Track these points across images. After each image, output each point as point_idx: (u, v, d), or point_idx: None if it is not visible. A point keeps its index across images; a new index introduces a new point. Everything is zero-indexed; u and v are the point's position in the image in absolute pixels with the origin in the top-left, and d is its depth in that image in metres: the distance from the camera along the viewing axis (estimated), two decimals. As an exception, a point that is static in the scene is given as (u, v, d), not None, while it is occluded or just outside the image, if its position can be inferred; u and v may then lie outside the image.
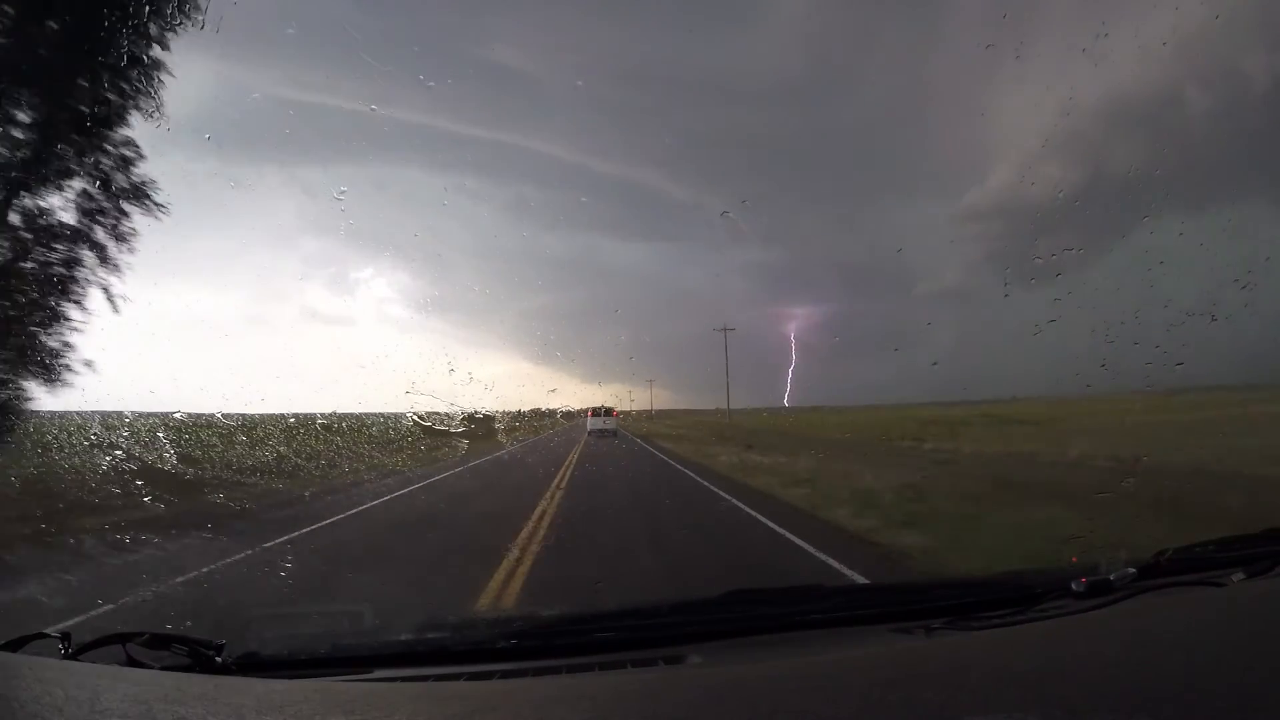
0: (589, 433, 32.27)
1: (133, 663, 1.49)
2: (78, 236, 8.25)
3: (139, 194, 8.49)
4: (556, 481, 12.06)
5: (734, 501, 10.22)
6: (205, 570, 5.43)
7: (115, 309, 8.40)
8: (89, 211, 8.39)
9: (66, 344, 8.24)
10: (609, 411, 34.24)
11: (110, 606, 4.34)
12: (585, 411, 33.98)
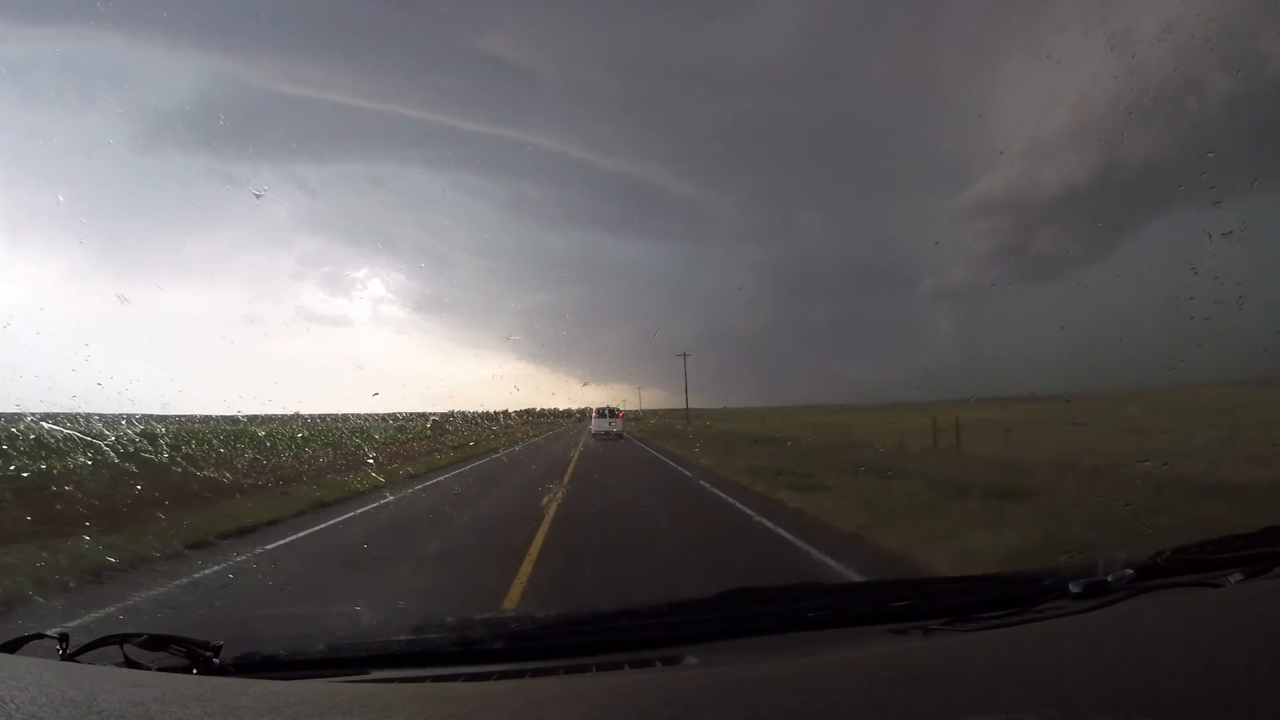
0: (592, 435, 31.60)
1: (130, 663, 1.49)
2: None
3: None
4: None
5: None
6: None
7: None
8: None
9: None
10: (614, 412, 33.38)
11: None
12: (589, 412, 33.36)
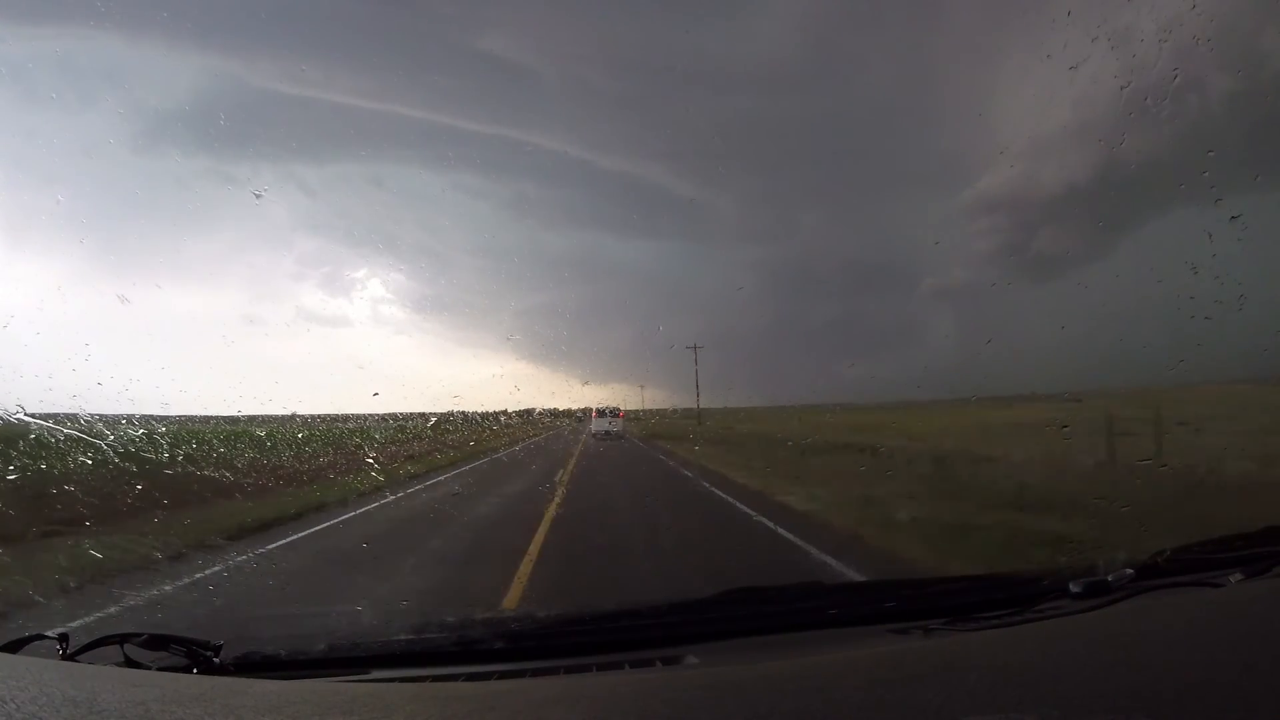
0: (592, 435, 31.54)
1: (130, 663, 1.49)
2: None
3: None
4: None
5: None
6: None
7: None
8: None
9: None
10: (614, 412, 33.25)
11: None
12: (590, 412, 33.22)
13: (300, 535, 8.03)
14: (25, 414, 5.62)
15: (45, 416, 5.91)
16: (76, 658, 1.49)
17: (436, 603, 5.22)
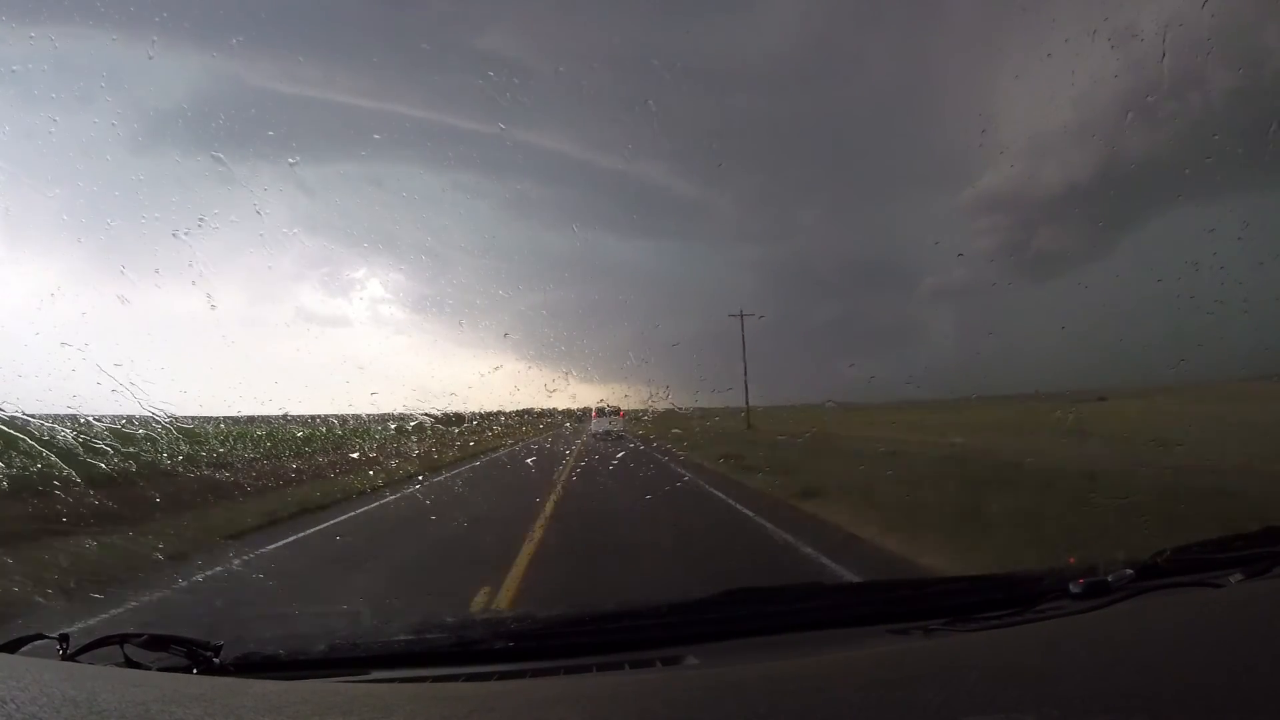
0: (592, 434, 31.48)
1: (130, 664, 1.50)
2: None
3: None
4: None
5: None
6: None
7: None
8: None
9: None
10: (615, 412, 33.05)
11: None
12: (590, 412, 33.06)
13: (299, 536, 8.05)
14: (25, 414, 5.62)
15: (45, 417, 5.90)
16: (76, 658, 1.50)
17: (428, 597, 5.23)
